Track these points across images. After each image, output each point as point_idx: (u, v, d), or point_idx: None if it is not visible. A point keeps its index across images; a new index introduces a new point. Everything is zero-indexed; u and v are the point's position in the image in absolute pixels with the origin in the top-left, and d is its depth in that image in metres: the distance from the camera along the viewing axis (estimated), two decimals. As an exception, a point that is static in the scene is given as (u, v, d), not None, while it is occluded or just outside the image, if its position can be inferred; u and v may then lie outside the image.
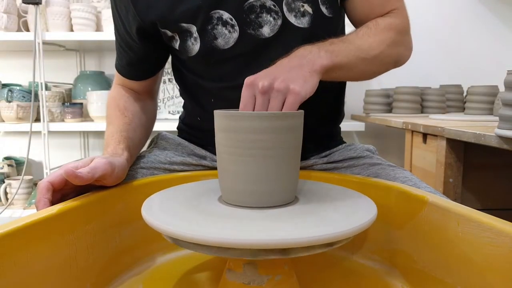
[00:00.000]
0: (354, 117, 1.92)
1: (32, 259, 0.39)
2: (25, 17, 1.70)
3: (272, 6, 0.63)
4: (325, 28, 0.66)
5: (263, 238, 0.34)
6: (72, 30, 1.67)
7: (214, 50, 0.65)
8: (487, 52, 1.96)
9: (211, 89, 0.71)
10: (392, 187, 0.55)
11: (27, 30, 1.71)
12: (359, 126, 1.68)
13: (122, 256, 0.54)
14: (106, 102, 0.78)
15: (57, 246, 0.43)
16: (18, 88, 1.71)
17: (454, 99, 1.75)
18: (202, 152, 0.76)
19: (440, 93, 1.69)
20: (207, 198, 0.47)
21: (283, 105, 0.48)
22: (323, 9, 0.65)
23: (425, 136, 1.28)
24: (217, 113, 0.45)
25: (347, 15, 0.72)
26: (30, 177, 1.79)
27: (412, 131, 1.38)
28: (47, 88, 1.78)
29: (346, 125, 1.65)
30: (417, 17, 1.95)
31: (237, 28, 0.64)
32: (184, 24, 0.64)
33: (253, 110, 0.48)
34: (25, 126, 1.66)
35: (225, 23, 0.64)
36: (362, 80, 0.68)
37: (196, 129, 0.79)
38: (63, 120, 1.75)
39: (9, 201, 1.71)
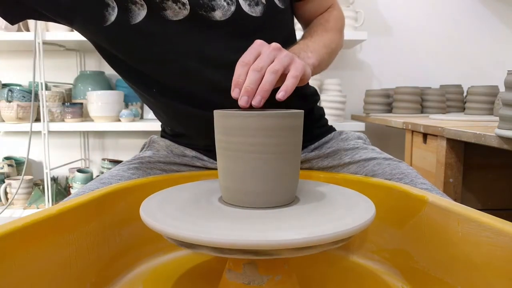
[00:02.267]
0: (354, 117, 1.93)
1: (32, 259, 0.39)
2: (25, 17, 1.70)
3: None
4: (277, 18, 0.69)
5: (263, 239, 0.34)
6: (72, 30, 1.67)
7: (161, 19, 0.62)
8: (487, 52, 1.96)
9: (165, 84, 0.67)
10: (392, 187, 0.55)
11: (27, 30, 1.71)
12: (359, 126, 1.68)
13: (122, 256, 0.54)
14: None
15: (57, 246, 0.43)
16: (18, 88, 1.71)
17: (454, 99, 1.75)
18: (193, 152, 0.75)
19: (440, 93, 1.69)
20: (207, 198, 0.47)
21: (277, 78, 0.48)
22: (276, 0, 0.67)
23: (425, 136, 1.28)
24: (217, 113, 0.45)
25: (294, 12, 0.78)
26: (30, 177, 1.79)
27: (412, 131, 1.38)
28: (47, 88, 1.78)
29: (346, 125, 1.65)
30: (417, 17, 1.96)
31: (188, 7, 0.62)
32: None
33: (254, 61, 0.48)
34: (25, 126, 1.67)
35: (175, 0, 0.62)
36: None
37: (176, 136, 0.78)
38: (63, 120, 1.75)
39: (9, 201, 1.71)
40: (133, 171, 0.69)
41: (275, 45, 0.50)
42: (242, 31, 0.65)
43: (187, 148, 0.76)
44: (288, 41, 0.72)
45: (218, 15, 0.63)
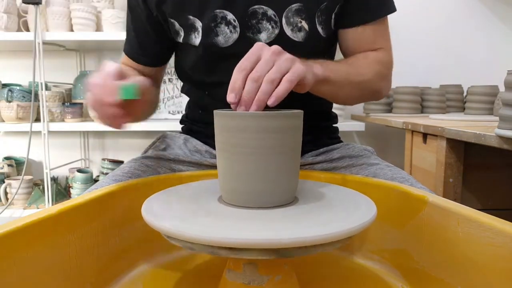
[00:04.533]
0: (354, 117, 1.92)
1: (32, 259, 0.39)
2: (25, 17, 1.70)
3: (273, 16, 0.67)
4: (318, 45, 0.71)
5: (262, 238, 0.34)
6: (72, 30, 1.67)
7: (213, 45, 0.69)
8: (487, 52, 1.96)
9: (209, 84, 0.74)
10: (392, 187, 0.55)
11: (27, 30, 1.71)
12: (359, 126, 1.68)
13: (122, 256, 0.54)
14: None
15: (57, 246, 0.43)
16: (18, 88, 1.71)
17: (454, 99, 1.75)
18: (204, 147, 0.78)
19: (440, 93, 1.69)
20: (207, 198, 0.47)
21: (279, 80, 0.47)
22: (319, 29, 0.69)
23: (425, 136, 1.28)
24: (217, 113, 0.45)
25: (338, 42, 0.76)
26: (30, 177, 1.79)
27: (412, 131, 1.38)
28: (47, 88, 1.78)
29: (346, 125, 1.65)
30: (417, 17, 1.96)
31: (238, 29, 0.68)
32: (190, 17, 0.68)
33: (252, 66, 0.47)
34: (25, 126, 1.66)
35: (228, 23, 0.67)
36: (345, 103, 0.74)
37: (199, 121, 0.82)
38: (63, 120, 1.75)
39: (9, 201, 1.71)
40: (144, 168, 0.70)
41: (275, 48, 0.49)
42: None
43: (199, 142, 0.79)
44: None
45: (263, 37, 0.68)
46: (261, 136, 0.42)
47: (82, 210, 0.47)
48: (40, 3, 1.55)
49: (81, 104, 1.76)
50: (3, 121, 1.75)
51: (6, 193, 1.74)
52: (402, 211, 0.52)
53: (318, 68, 0.58)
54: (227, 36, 0.68)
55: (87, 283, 0.47)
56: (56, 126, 1.69)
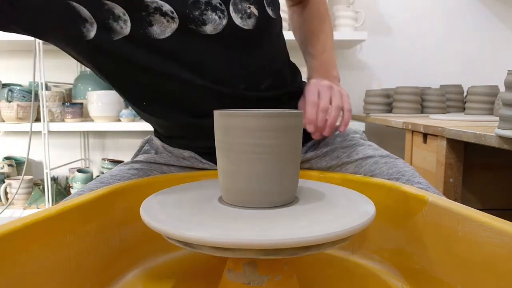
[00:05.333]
0: (354, 117, 1.92)
1: (32, 259, 0.39)
2: (25, 17, 1.70)
3: (218, 5, 0.60)
4: (269, 29, 0.67)
5: (262, 239, 0.34)
6: (72, 30, 1.67)
7: (146, 37, 0.59)
8: (487, 52, 1.96)
9: (153, 97, 0.67)
10: (392, 187, 0.55)
11: (27, 30, 1.71)
12: (359, 126, 1.68)
13: (122, 256, 0.54)
14: None
15: (57, 246, 0.43)
16: (18, 88, 1.71)
17: (454, 99, 1.75)
18: (191, 153, 0.73)
19: (440, 93, 1.69)
20: (207, 198, 0.47)
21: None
22: (269, 10, 0.65)
23: (425, 136, 1.28)
24: (217, 113, 0.45)
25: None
26: (30, 177, 1.80)
27: (412, 131, 1.38)
28: (47, 88, 1.78)
29: (346, 125, 1.65)
30: (417, 17, 1.96)
31: (177, 20, 0.59)
32: (108, 2, 0.56)
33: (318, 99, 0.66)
34: (25, 126, 1.67)
35: (164, 14, 0.58)
36: None
37: (169, 138, 0.77)
38: (63, 120, 1.75)
39: (9, 201, 1.71)
40: (134, 171, 0.68)
41: (328, 84, 0.69)
42: (233, 44, 0.63)
43: (183, 150, 0.74)
44: (277, 45, 0.72)
45: (209, 29, 0.60)
46: (261, 135, 0.42)
47: (82, 210, 0.47)
48: (40, 3, 1.55)
49: (81, 104, 1.76)
50: (3, 121, 1.75)
51: (6, 193, 1.74)
52: (402, 211, 0.52)
53: (335, 73, 0.74)
54: (163, 25, 0.59)
55: (87, 283, 0.47)
56: (56, 126, 1.69)
